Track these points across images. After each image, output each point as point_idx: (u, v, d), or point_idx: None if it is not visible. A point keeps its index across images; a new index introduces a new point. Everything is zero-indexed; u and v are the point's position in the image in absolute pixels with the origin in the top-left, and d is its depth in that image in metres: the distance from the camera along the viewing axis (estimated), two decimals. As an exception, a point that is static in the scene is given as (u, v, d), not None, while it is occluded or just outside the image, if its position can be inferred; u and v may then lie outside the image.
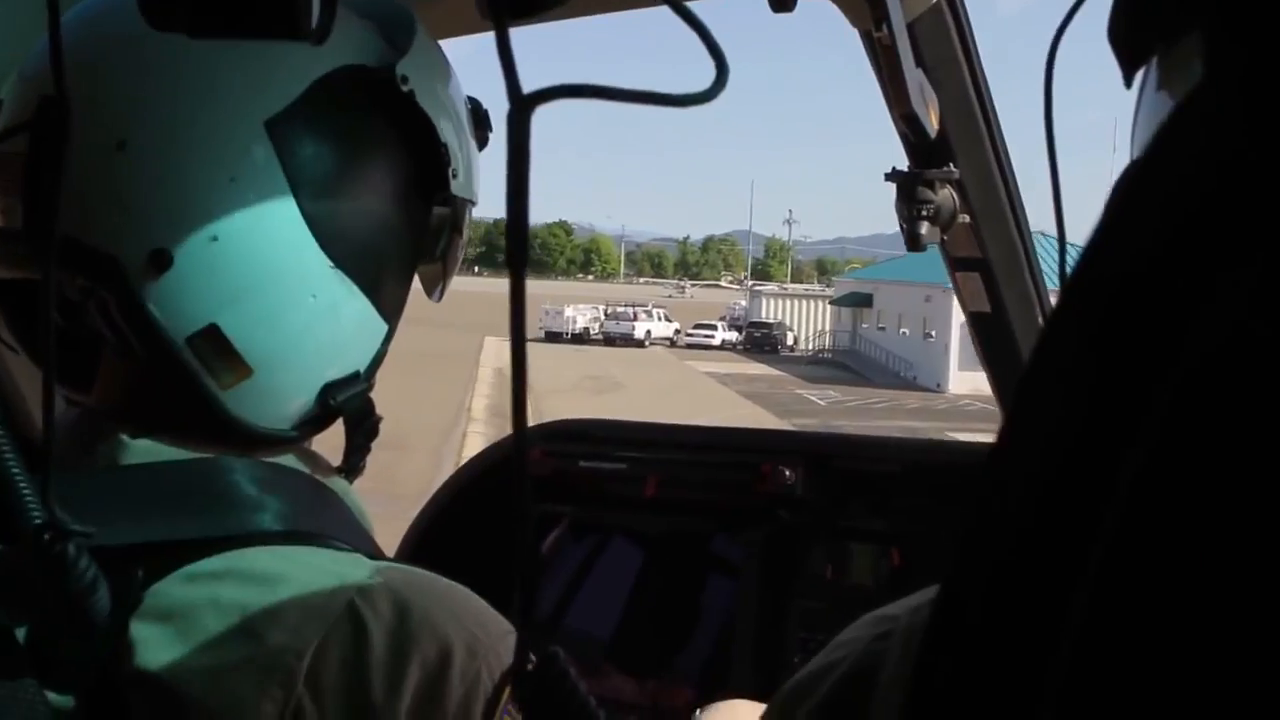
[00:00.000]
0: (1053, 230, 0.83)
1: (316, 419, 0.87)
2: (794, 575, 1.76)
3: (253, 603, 0.73)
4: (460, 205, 0.93)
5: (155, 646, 0.72)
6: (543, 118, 0.47)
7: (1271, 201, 0.26)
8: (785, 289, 76.98)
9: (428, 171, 0.88)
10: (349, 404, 0.88)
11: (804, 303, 60.56)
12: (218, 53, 0.77)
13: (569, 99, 0.46)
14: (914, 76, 1.20)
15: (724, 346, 50.23)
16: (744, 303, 66.16)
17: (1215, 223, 0.27)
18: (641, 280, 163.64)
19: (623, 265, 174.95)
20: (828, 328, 53.30)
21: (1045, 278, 1.58)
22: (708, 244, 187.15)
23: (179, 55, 0.77)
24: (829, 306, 53.57)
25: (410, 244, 0.90)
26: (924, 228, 1.38)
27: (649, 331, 49.30)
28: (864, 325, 47.64)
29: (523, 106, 0.45)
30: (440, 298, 0.99)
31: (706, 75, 0.48)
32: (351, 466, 0.92)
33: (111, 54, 0.79)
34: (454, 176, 0.89)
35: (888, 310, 43.05)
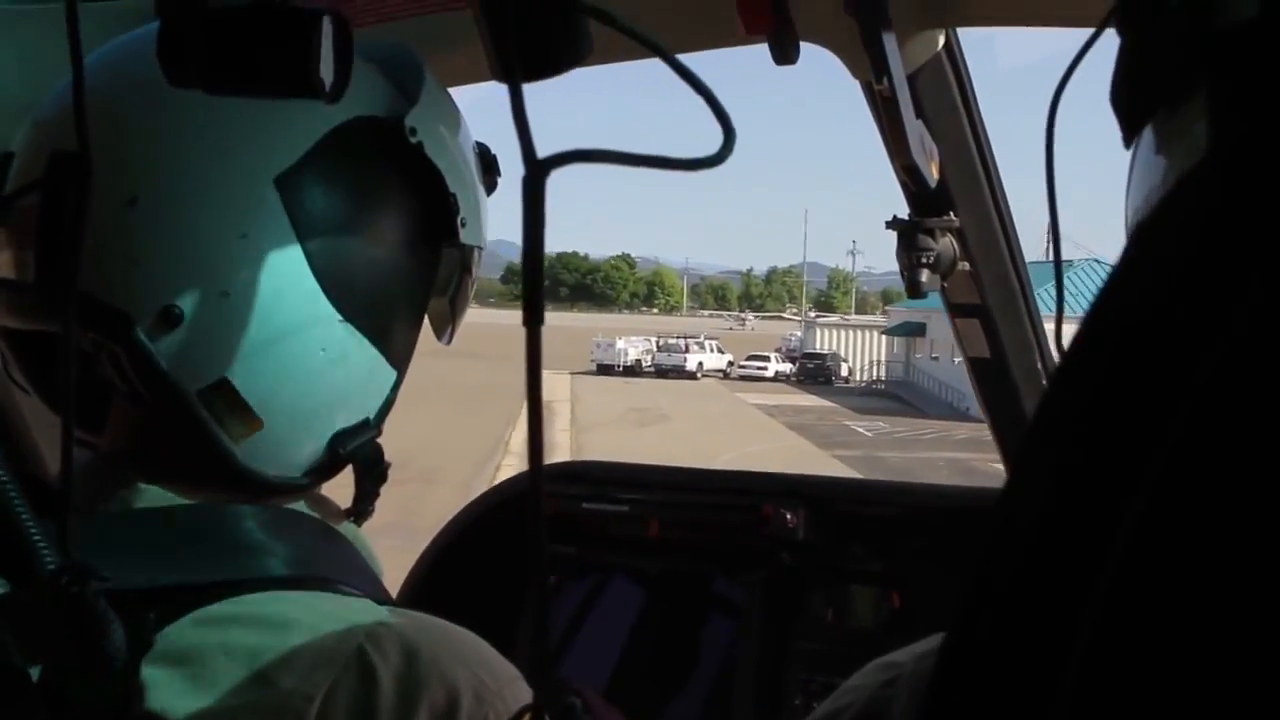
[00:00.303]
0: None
1: (326, 467, 0.88)
2: (795, 617, 1.76)
3: (263, 647, 0.74)
4: (469, 251, 0.94)
5: (166, 689, 0.72)
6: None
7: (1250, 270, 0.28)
8: (846, 319, 76.11)
9: (436, 219, 0.89)
10: (359, 452, 0.89)
11: (860, 333, 59.81)
12: (229, 107, 0.77)
13: (583, 163, 0.48)
14: (914, 127, 1.22)
15: (777, 378, 49.42)
16: (799, 334, 65.45)
17: (1205, 283, 0.29)
18: (705, 313, 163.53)
19: (686, 298, 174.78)
20: (882, 358, 52.63)
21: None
22: (771, 276, 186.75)
23: (192, 109, 0.77)
24: (883, 337, 52.97)
25: (419, 291, 0.91)
26: (924, 275, 1.40)
27: (701, 364, 48.45)
28: (917, 355, 46.97)
29: (538, 171, 0.46)
30: (450, 340, 1.00)
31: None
32: (360, 511, 0.93)
33: (129, 103, 0.80)
34: (462, 225, 0.90)
35: (941, 340, 41.81)
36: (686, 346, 49.50)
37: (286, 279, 0.80)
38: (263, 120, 0.79)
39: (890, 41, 1.13)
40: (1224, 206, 0.30)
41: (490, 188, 0.98)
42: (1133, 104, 0.49)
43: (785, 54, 1.11)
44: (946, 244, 1.44)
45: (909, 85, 1.21)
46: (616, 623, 1.84)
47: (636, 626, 1.83)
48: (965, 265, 1.50)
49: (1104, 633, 0.28)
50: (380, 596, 0.84)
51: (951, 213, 1.44)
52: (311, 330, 0.82)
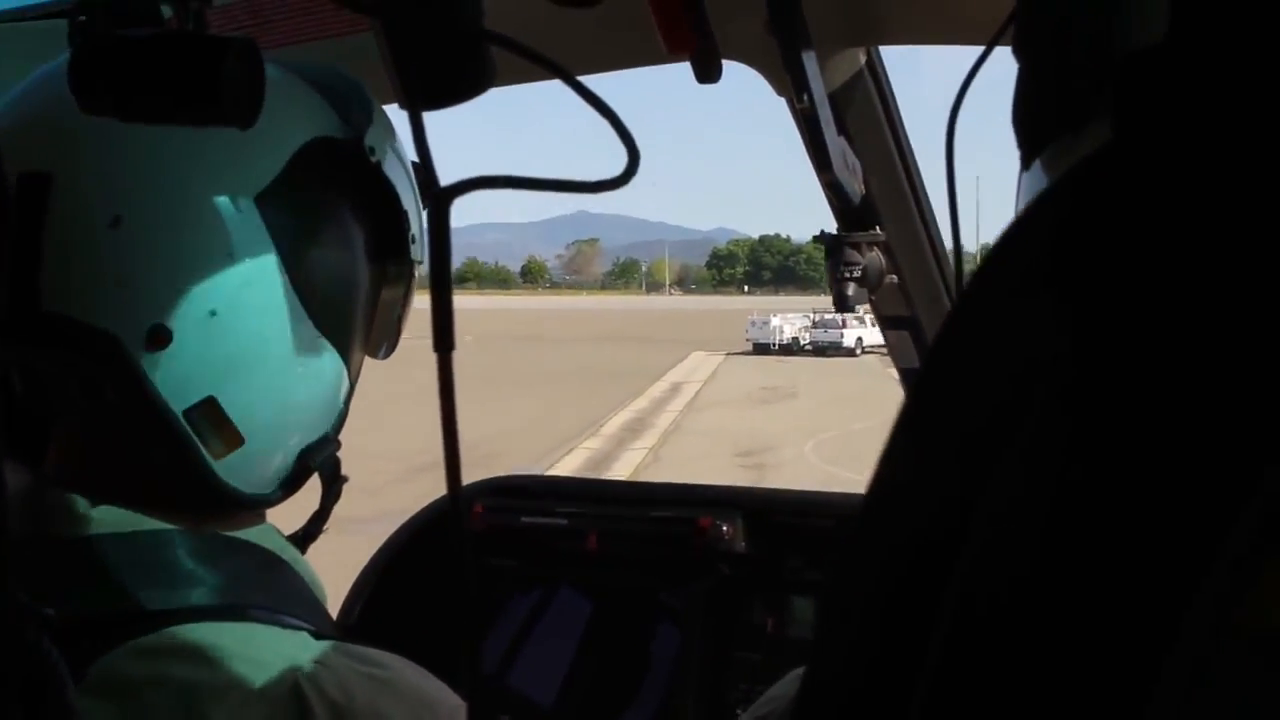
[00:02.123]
0: None
1: (293, 480, 0.89)
2: (736, 628, 1.77)
3: (197, 681, 0.73)
4: (413, 266, 0.96)
5: None
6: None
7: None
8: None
9: (389, 235, 0.91)
10: (324, 464, 0.90)
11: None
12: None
13: (486, 189, 0.48)
14: (836, 144, 1.24)
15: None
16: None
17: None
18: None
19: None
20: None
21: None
22: (984, 251, 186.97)
23: (165, 130, 0.75)
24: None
25: (372, 306, 0.93)
26: (851, 288, 1.42)
27: (860, 339, 43.71)
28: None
29: (441, 198, 0.47)
30: (388, 355, 1.01)
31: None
32: (312, 533, 0.94)
33: (96, 121, 0.76)
34: (412, 241, 0.92)
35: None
36: (844, 321, 43.86)
37: (270, 296, 0.81)
38: (237, 139, 0.77)
39: (810, 60, 1.15)
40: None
41: (423, 205, 0.99)
42: (1032, 127, 0.51)
43: (708, 73, 1.12)
44: (874, 257, 1.46)
45: (830, 102, 1.23)
46: (565, 634, 1.85)
47: (585, 638, 1.84)
48: (893, 278, 1.52)
49: (943, 667, 0.29)
50: (322, 627, 0.83)
51: (877, 227, 1.46)
52: (293, 345, 0.83)
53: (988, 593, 0.29)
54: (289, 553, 0.90)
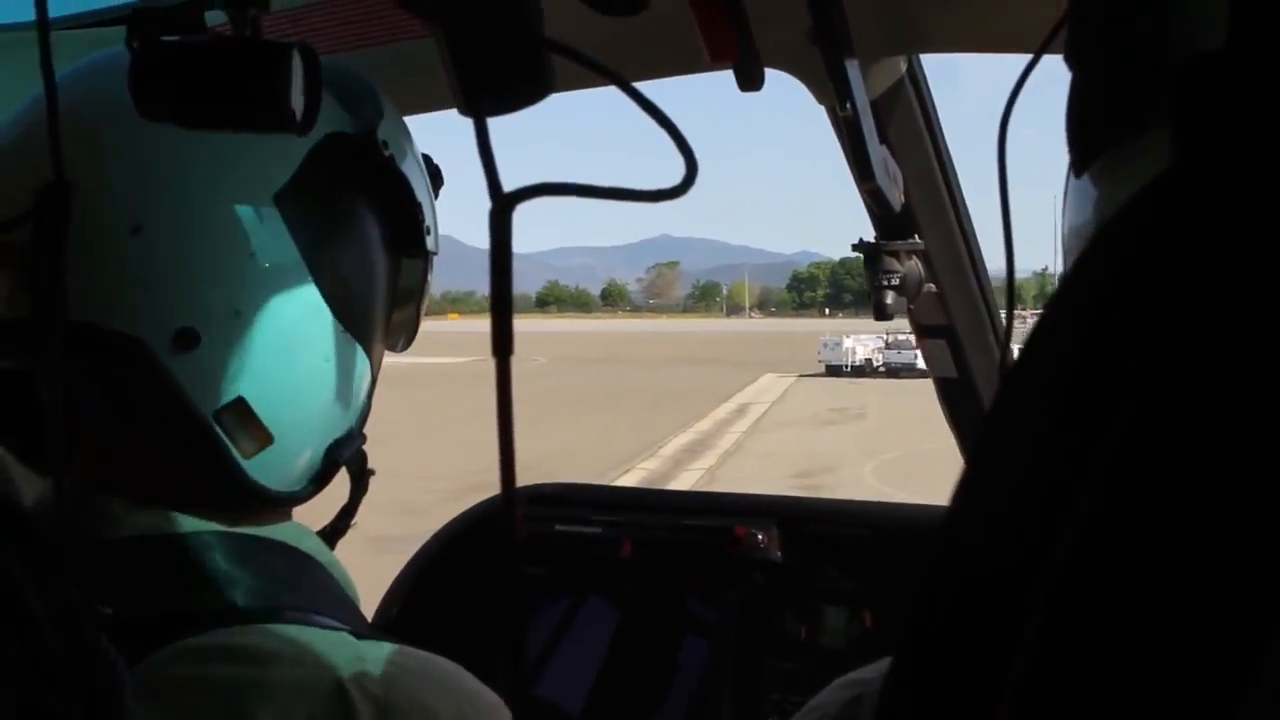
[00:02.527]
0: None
1: (322, 476, 0.89)
2: (768, 637, 1.77)
3: (241, 681, 0.73)
4: (430, 258, 0.97)
5: None
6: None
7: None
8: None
9: (404, 228, 0.92)
10: (352, 459, 0.91)
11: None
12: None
13: (547, 197, 0.49)
14: (878, 152, 1.23)
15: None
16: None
17: (1125, 322, 0.30)
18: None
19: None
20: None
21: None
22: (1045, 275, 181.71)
23: (184, 131, 0.75)
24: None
25: (390, 299, 0.93)
26: (890, 297, 1.42)
27: None
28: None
29: (504, 205, 0.47)
30: (406, 348, 1.02)
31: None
32: (341, 528, 0.95)
33: (118, 127, 0.79)
34: (427, 233, 0.93)
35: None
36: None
37: (293, 293, 0.81)
38: (255, 139, 0.79)
39: (853, 69, 1.15)
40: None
41: (435, 195, 1.00)
42: (1086, 136, 0.50)
43: (750, 80, 1.12)
44: (913, 266, 1.46)
45: (872, 111, 1.23)
46: (593, 643, 1.84)
47: (612, 647, 1.83)
48: (931, 287, 1.52)
49: (1047, 633, 0.29)
50: (358, 626, 0.84)
51: (916, 235, 1.46)
52: (318, 341, 0.84)
53: (1074, 605, 0.29)
54: (323, 553, 0.90)
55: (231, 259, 0.79)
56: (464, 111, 0.53)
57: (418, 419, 20.95)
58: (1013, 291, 0.86)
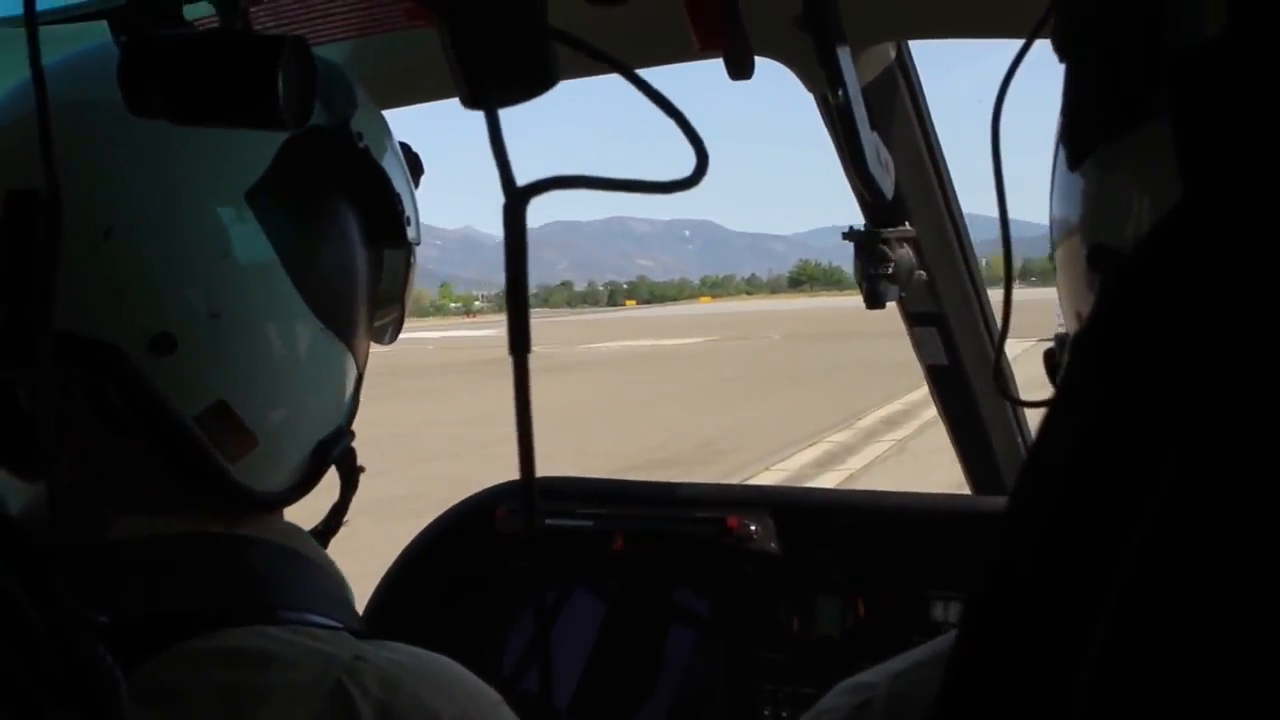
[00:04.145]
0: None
1: (310, 476, 0.88)
2: (760, 627, 1.76)
3: (240, 684, 0.72)
4: (411, 248, 0.96)
5: None
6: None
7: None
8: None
9: (383, 220, 0.90)
10: (341, 458, 0.90)
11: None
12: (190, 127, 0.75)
13: (561, 189, 0.48)
14: (870, 139, 1.23)
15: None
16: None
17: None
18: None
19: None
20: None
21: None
22: None
23: (154, 130, 0.74)
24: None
25: (372, 292, 0.92)
26: (882, 285, 1.41)
27: None
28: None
29: (518, 198, 0.46)
30: (394, 339, 1.01)
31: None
32: (333, 527, 0.93)
33: (88, 128, 0.77)
34: (407, 224, 0.92)
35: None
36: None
37: (271, 293, 0.80)
38: (226, 136, 0.77)
39: (844, 56, 1.14)
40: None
41: (415, 185, 0.99)
42: (1082, 128, 0.49)
43: (740, 69, 1.11)
44: (905, 254, 1.45)
45: (863, 98, 1.22)
46: (579, 636, 1.84)
47: (599, 640, 1.83)
48: (922, 274, 1.51)
49: (1113, 645, 0.28)
50: (354, 625, 0.83)
51: (907, 222, 1.45)
52: (299, 341, 0.82)
53: (1151, 599, 0.28)
54: (316, 553, 0.89)
55: (206, 261, 0.77)
56: (470, 105, 0.52)
57: (625, 398, 21.34)
58: (1010, 278, 0.86)
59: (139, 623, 0.73)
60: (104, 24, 0.87)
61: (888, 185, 1.30)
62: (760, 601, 1.77)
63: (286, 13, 1.27)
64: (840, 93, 1.16)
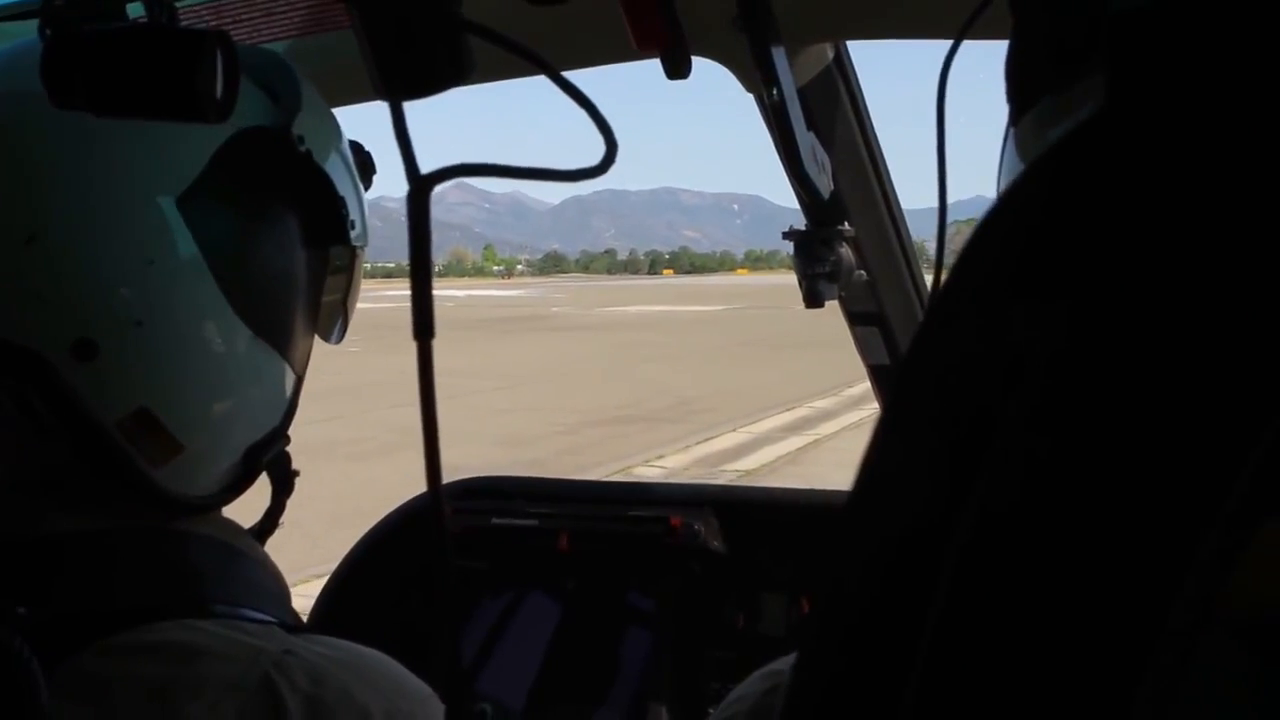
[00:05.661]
0: None
1: (242, 479, 0.88)
2: (707, 626, 1.77)
3: (168, 678, 0.72)
4: (355, 251, 0.95)
5: None
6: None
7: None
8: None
9: (326, 223, 0.89)
10: (273, 462, 0.89)
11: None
12: (122, 127, 0.75)
13: (466, 178, 0.48)
14: (805, 139, 1.24)
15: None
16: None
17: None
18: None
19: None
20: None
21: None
22: None
23: (82, 131, 0.75)
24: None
25: (313, 295, 0.91)
26: (821, 284, 1.42)
27: None
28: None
29: (422, 186, 0.47)
30: (340, 339, 1.00)
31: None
32: (268, 529, 0.93)
33: (11, 130, 0.77)
34: (351, 227, 0.91)
35: None
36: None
37: (198, 300, 0.79)
38: (157, 139, 0.77)
39: (780, 55, 1.16)
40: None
41: (367, 186, 0.98)
42: (1024, 82, 0.51)
43: (678, 68, 1.13)
44: (845, 253, 1.46)
45: (799, 98, 1.24)
46: (534, 638, 1.84)
47: (554, 641, 1.83)
48: (862, 274, 1.53)
49: (937, 652, 0.29)
50: (288, 620, 0.83)
51: (846, 222, 1.47)
52: (225, 349, 0.81)
53: (977, 590, 0.29)
54: (254, 549, 0.89)
55: (129, 268, 0.76)
56: (380, 95, 0.53)
57: (620, 357, 21.61)
58: (941, 265, 0.87)
59: (72, 617, 0.73)
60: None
61: (824, 184, 1.32)
62: (707, 600, 1.77)
63: (228, 11, 1.27)
64: (775, 92, 1.18)
